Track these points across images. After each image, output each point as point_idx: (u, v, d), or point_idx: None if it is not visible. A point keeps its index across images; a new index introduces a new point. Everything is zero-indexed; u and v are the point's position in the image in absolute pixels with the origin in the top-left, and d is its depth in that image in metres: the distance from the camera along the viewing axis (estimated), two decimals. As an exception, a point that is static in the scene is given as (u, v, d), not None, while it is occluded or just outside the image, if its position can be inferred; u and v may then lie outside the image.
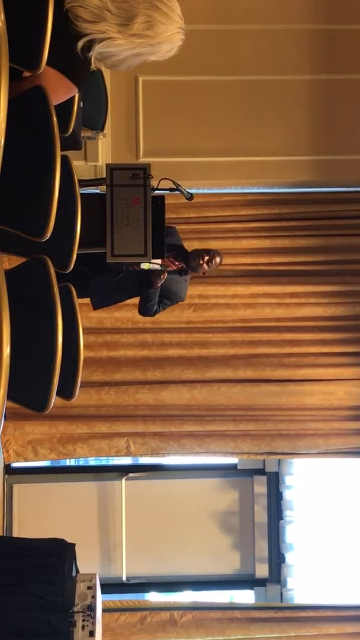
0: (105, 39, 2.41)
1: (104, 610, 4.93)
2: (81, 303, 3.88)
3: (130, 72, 5.48)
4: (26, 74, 2.48)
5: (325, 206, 5.87)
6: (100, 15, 2.39)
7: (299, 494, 6.23)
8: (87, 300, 5.55)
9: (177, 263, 4.68)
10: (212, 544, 6.21)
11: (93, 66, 2.50)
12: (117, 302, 5.04)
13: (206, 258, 4.68)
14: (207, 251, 4.73)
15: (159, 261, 4.30)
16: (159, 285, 4.50)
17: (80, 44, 2.40)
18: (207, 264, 4.68)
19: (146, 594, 6.34)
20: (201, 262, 4.66)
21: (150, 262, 4.19)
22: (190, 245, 5.65)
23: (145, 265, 4.26)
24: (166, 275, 4.46)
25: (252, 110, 5.66)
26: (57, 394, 2.77)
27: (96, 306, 4.82)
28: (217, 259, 4.72)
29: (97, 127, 5.22)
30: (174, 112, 5.62)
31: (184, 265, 4.69)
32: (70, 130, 3.66)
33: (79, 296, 3.47)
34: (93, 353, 5.73)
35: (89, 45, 2.42)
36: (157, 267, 4.28)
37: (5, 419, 1.90)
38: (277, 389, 5.82)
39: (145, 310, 4.69)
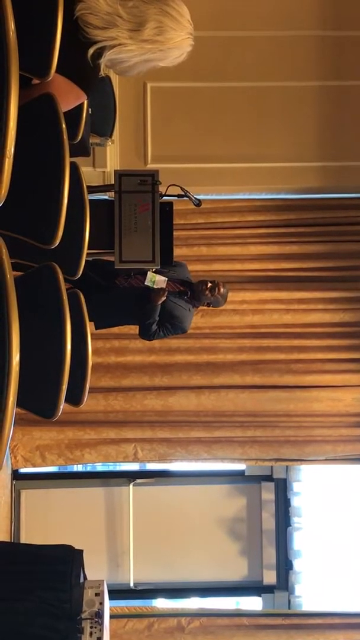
0: (116, 45, 2.41)
1: (111, 617, 4.92)
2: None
3: (138, 79, 5.50)
4: (35, 81, 2.49)
5: (333, 212, 5.87)
6: (111, 22, 2.39)
7: (306, 501, 6.22)
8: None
9: (180, 287, 4.69)
10: (220, 551, 6.20)
11: (102, 72, 2.51)
12: (119, 325, 5.02)
13: (209, 285, 4.69)
14: (212, 280, 4.75)
15: (164, 283, 4.33)
16: (159, 302, 4.49)
17: (91, 51, 2.41)
18: (211, 291, 4.68)
19: (154, 601, 6.32)
20: (204, 287, 4.67)
21: (153, 280, 4.24)
22: (197, 251, 5.68)
23: (149, 282, 4.30)
24: (166, 293, 4.46)
25: (260, 117, 5.66)
26: (65, 400, 2.78)
27: (98, 327, 4.79)
28: (222, 290, 4.72)
29: (106, 133, 5.23)
30: (182, 119, 5.63)
31: (190, 296, 4.69)
32: (79, 137, 3.67)
33: None
34: (101, 359, 5.73)
35: (100, 52, 2.43)
36: (162, 285, 4.33)
37: (13, 425, 1.90)
38: (285, 395, 5.81)
39: (144, 329, 4.65)
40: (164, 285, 4.39)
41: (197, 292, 4.70)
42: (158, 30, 2.43)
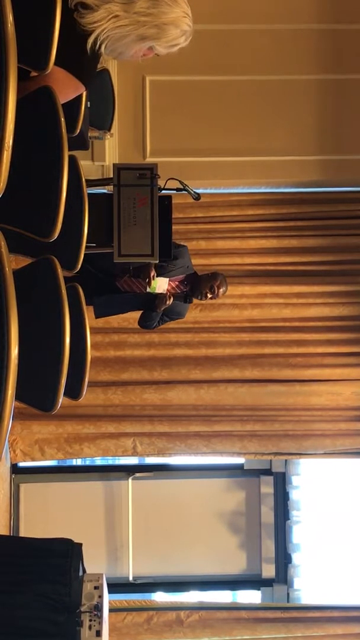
0: (110, 18, 2.41)
1: (110, 610, 4.94)
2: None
3: (137, 72, 5.49)
4: (34, 73, 2.49)
5: (333, 206, 5.86)
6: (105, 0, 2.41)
7: (305, 495, 6.23)
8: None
9: (183, 288, 4.71)
10: (219, 544, 6.21)
11: (101, 63, 2.52)
12: (119, 314, 5.08)
13: (210, 296, 4.71)
14: (215, 281, 4.70)
15: (165, 284, 4.37)
16: (162, 309, 4.55)
17: (90, 39, 2.42)
18: (212, 293, 4.72)
19: (153, 594, 6.34)
20: (205, 292, 4.70)
21: (156, 287, 4.29)
22: (196, 245, 5.67)
23: (152, 289, 4.35)
24: (172, 300, 4.51)
25: (259, 110, 5.66)
26: (64, 394, 2.78)
27: (98, 315, 4.84)
28: (222, 289, 4.75)
29: (105, 126, 5.22)
30: (181, 112, 5.62)
31: (189, 292, 4.71)
32: (78, 130, 3.66)
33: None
34: (100, 353, 5.73)
35: (98, 42, 2.44)
36: (164, 286, 4.37)
37: (12, 419, 1.90)
38: (284, 389, 5.81)
39: (144, 325, 4.78)
40: (165, 287, 4.44)
41: (198, 291, 4.71)
42: (152, 3, 2.44)
